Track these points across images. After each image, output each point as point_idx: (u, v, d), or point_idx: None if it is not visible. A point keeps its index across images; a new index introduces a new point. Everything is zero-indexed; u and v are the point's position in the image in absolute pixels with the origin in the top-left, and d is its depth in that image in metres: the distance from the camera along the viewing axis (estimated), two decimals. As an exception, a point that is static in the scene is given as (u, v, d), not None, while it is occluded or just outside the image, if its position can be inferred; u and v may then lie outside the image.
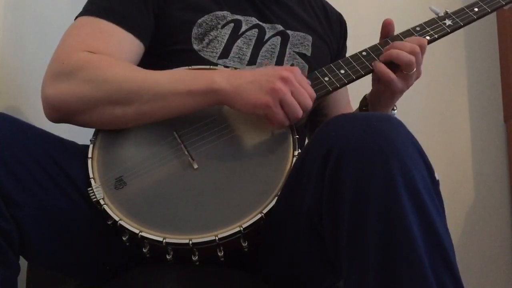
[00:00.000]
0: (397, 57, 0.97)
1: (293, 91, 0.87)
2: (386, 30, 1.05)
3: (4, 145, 0.80)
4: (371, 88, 1.07)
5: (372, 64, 1.00)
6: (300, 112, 0.88)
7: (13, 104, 1.22)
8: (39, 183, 0.83)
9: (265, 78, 0.87)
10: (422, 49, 0.99)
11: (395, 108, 1.10)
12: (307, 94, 0.89)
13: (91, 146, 0.92)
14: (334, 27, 1.23)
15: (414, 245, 0.69)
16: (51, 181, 0.84)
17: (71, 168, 0.87)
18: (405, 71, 0.98)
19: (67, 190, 0.86)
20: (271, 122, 0.89)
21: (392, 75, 0.98)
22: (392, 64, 0.99)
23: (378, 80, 1.02)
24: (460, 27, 1.07)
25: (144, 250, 0.85)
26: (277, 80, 0.87)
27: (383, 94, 1.03)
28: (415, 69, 0.98)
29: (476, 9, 1.08)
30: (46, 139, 0.88)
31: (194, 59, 1.01)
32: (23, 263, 0.87)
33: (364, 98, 1.10)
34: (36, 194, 0.82)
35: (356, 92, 1.26)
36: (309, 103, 0.89)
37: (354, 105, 1.28)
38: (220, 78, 0.88)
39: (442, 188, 0.77)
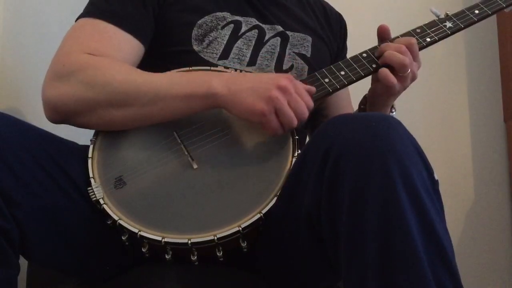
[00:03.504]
0: (390, 59, 0.96)
1: (290, 101, 0.87)
2: (381, 37, 1.03)
3: (4, 144, 0.80)
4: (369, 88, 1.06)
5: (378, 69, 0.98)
6: (295, 122, 0.88)
7: (13, 104, 1.22)
8: (39, 182, 0.83)
9: (263, 86, 0.87)
10: (410, 48, 0.97)
11: (394, 110, 1.09)
12: (304, 104, 0.88)
13: (91, 146, 0.92)
14: (334, 27, 1.23)
15: (412, 245, 0.69)
16: (51, 181, 0.84)
17: (71, 168, 0.87)
18: (399, 73, 0.96)
19: (67, 190, 0.86)
20: (265, 129, 0.89)
21: (393, 79, 0.96)
22: (389, 66, 0.98)
23: (377, 80, 1.01)
24: (461, 29, 1.06)
25: (143, 250, 0.85)
26: (274, 89, 0.86)
27: (380, 96, 1.03)
28: (409, 71, 0.96)
29: (476, 11, 1.08)
30: (46, 139, 0.88)
31: (194, 60, 1.01)
32: (23, 263, 0.87)
33: (364, 97, 1.10)
34: (36, 194, 0.82)
35: (357, 92, 1.26)
36: (305, 113, 0.89)
37: (355, 105, 1.28)
38: (218, 82, 0.89)
39: (442, 188, 0.77)
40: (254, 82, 0.89)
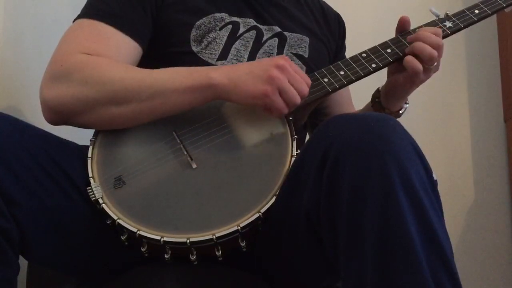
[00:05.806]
0: (421, 51, 0.98)
1: (290, 79, 0.88)
2: (402, 28, 1.05)
3: (4, 144, 0.80)
4: (386, 80, 1.07)
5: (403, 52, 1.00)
6: (298, 99, 0.89)
7: (13, 104, 1.22)
8: (39, 182, 0.83)
9: (261, 68, 0.88)
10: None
11: (407, 101, 1.10)
12: (303, 81, 0.90)
13: (91, 146, 0.92)
14: (333, 28, 1.23)
15: (411, 245, 0.69)
16: (50, 181, 0.84)
17: (70, 168, 0.88)
18: (426, 65, 0.98)
19: (66, 190, 0.86)
20: (270, 111, 0.89)
21: (420, 66, 0.97)
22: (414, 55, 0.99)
23: (397, 72, 1.02)
24: (461, 29, 1.06)
25: (143, 250, 0.85)
26: (273, 69, 0.87)
27: (402, 86, 1.03)
28: (436, 63, 0.98)
29: (476, 11, 1.08)
30: (46, 139, 0.88)
31: (193, 61, 1.01)
32: (23, 263, 0.87)
33: (377, 90, 1.10)
34: (36, 193, 0.82)
35: (358, 92, 1.26)
36: (306, 89, 0.90)
37: (356, 103, 1.28)
38: (217, 73, 0.89)
39: (442, 188, 0.77)
40: (251, 67, 0.89)
